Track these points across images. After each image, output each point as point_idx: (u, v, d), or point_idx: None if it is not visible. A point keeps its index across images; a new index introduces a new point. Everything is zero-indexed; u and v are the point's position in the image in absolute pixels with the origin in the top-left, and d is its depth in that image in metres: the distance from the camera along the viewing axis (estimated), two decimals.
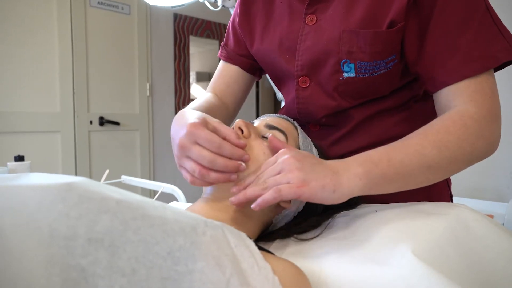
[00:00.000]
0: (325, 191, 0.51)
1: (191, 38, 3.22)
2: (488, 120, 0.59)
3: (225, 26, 3.41)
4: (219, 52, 0.92)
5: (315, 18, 0.69)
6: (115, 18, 2.75)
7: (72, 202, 0.32)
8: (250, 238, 0.43)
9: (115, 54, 2.76)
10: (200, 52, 3.37)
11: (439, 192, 0.76)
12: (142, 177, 2.93)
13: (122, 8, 2.77)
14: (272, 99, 4.88)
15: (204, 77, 3.64)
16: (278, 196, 0.49)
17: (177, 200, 1.41)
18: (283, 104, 0.83)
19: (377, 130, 0.72)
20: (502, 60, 0.60)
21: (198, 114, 0.57)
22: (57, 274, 0.29)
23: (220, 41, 3.41)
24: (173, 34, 3.11)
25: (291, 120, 0.71)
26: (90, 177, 2.64)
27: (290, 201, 0.62)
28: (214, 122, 0.57)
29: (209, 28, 3.33)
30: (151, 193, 2.81)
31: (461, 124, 0.57)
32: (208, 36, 3.33)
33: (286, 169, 0.51)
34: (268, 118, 0.69)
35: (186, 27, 3.17)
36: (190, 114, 0.58)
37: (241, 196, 0.52)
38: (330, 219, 0.62)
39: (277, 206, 0.62)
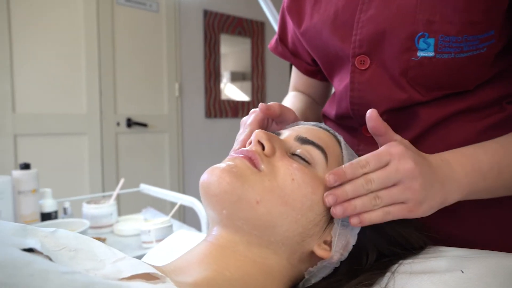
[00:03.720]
0: (429, 212, 0.44)
1: (222, 36, 3.07)
2: None
3: (257, 22, 3.24)
4: (272, 45, 0.80)
5: None
6: (143, 15, 2.65)
7: None
8: None
9: (143, 53, 2.66)
10: (234, 51, 3.23)
11: None
12: (171, 179, 2.82)
13: (150, 5, 2.67)
14: None
15: (239, 77, 3.52)
16: (386, 219, 0.42)
17: (195, 210, 1.24)
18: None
19: (455, 138, 0.53)
20: None
21: None
22: None
23: (252, 38, 3.24)
24: (203, 32, 2.97)
25: (331, 130, 0.52)
26: (117, 179, 2.55)
27: (330, 249, 0.44)
28: None
29: (240, 25, 3.16)
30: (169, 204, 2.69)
31: None
32: (239, 34, 3.16)
33: (406, 182, 0.41)
34: (301, 128, 0.50)
35: (216, 24, 3.02)
36: None
37: (347, 210, 0.41)
38: (389, 275, 0.43)
39: (312, 255, 0.44)
